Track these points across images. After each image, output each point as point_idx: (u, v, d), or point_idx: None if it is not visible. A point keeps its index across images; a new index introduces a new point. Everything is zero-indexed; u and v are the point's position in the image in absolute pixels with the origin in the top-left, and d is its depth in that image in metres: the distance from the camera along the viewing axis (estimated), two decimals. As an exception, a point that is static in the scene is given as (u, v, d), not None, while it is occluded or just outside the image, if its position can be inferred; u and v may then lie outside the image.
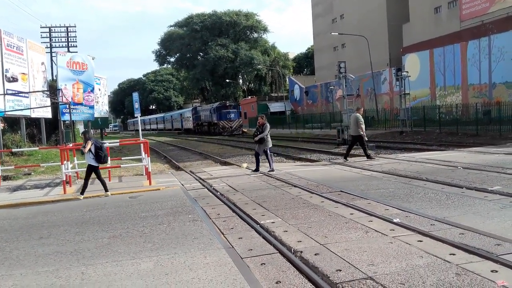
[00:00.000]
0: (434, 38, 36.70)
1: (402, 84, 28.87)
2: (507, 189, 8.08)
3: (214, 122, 53.08)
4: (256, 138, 13.30)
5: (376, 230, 5.89)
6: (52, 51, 46.14)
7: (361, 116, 15.13)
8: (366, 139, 15.57)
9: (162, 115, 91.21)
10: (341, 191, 9.01)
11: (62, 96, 22.12)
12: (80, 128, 39.00)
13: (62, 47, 48.59)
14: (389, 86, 43.12)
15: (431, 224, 6.00)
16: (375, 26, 49.33)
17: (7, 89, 18.87)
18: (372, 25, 49.65)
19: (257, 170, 13.15)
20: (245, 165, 15.83)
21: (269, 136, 13.35)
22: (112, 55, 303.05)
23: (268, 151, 13.30)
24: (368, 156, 14.87)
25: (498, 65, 30.02)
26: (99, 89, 30.82)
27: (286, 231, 6.16)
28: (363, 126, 15.01)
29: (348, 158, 15.14)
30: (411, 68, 36.84)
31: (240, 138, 41.97)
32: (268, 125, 13.41)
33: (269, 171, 12.84)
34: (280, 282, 4.38)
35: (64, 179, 11.52)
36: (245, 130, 53.39)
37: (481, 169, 10.87)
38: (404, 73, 29.22)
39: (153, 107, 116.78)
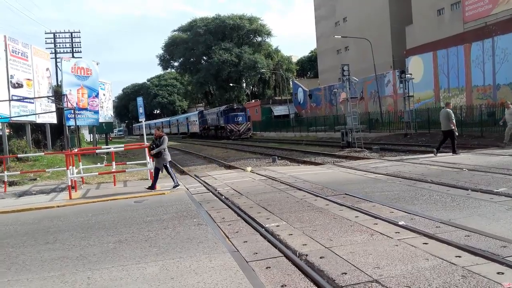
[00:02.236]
0: (437, 40, 36.64)
1: (406, 86, 28.80)
2: (513, 190, 8.05)
3: (221, 125, 51.77)
4: (153, 152, 11.74)
5: (381, 233, 5.88)
6: (57, 56, 46.39)
7: (452, 112, 15.58)
8: (457, 134, 16.11)
9: (167, 119, 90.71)
10: (345, 194, 9.00)
11: (67, 102, 22.22)
12: (85, 133, 39.07)
13: (67, 52, 48.83)
14: (393, 88, 43.06)
15: (436, 227, 5.99)
16: (378, 29, 49.30)
17: (12, 95, 18.97)
18: (375, 28, 49.62)
19: (152, 187, 11.71)
20: (249, 168, 15.84)
21: (167, 149, 11.95)
22: (115, 59, 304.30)
23: (168, 165, 11.97)
24: (455, 152, 15.32)
25: (502, 67, 29.94)
26: (104, 94, 30.91)
27: (291, 234, 6.16)
28: (454, 121, 15.49)
29: (438, 154, 15.47)
30: (414, 70, 36.77)
31: (245, 142, 41.92)
32: (166, 137, 12.03)
33: (174, 187, 11.67)
34: (286, 285, 4.38)
35: (70, 184, 11.56)
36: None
37: (486, 171, 10.84)
38: (408, 75, 29.15)
39: (157, 111, 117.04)
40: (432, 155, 15.49)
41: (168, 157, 11.96)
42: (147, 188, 11.68)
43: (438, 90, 36.44)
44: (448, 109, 15.50)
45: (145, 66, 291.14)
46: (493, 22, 31.59)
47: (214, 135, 55.15)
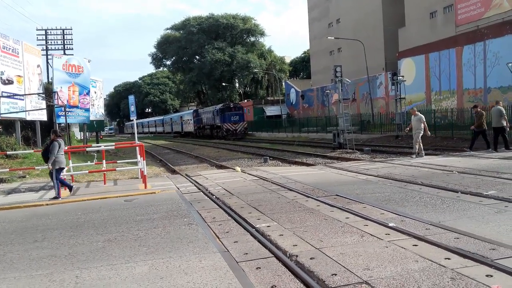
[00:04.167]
0: (429, 43, 36.85)
1: (398, 88, 28.97)
2: (502, 193, 8.12)
3: (217, 125, 50.48)
4: (49, 164, 10.68)
5: (371, 234, 5.89)
6: (48, 53, 46.09)
7: (503, 109, 16.45)
8: (508, 129, 16.76)
9: (161, 117, 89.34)
10: (336, 195, 9.01)
11: (57, 99, 22.04)
12: (76, 131, 38.79)
13: (58, 49, 48.60)
14: (385, 90, 43.23)
15: (426, 229, 6.02)
16: (371, 31, 49.48)
17: (2, 92, 18.78)
18: (368, 30, 49.79)
19: (70, 188, 11.17)
20: (238, 168, 15.83)
21: (58, 156, 10.65)
22: (108, 57, 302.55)
23: (54, 174, 10.65)
24: (507, 147, 16.19)
25: (493, 70, 30.16)
26: (95, 92, 30.72)
27: (282, 235, 6.15)
28: (507, 118, 16.35)
29: (498, 150, 16.17)
30: (406, 72, 36.96)
31: (237, 142, 41.86)
32: (56, 143, 10.67)
33: (52, 198, 10.56)
34: (276, 286, 4.37)
35: (59, 182, 11.44)
36: None
37: (476, 173, 10.92)
38: (400, 77, 29.32)
39: (149, 110, 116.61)
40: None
41: (59, 164, 10.73)
42: (52, 198, 10.57)
43: (430, 92, 36.64)
44: (500, 107, 16.28)
45: (138, 65, 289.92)
46: (485, 25, 31.83)
47: (209, 134, 54.04)
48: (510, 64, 24.69)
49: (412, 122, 16.46)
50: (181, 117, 71.20)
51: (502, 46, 29.13)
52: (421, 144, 16.42)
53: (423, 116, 16.46)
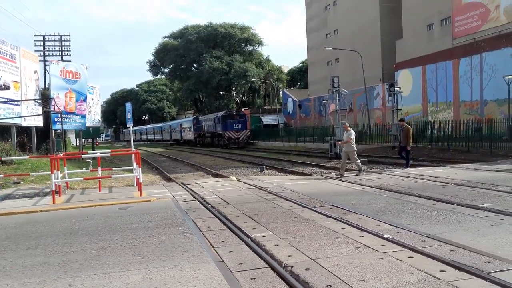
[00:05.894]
0: (426, 55, 37.10)
1: (395, 99, 29.09)
2: (498, 206, 8.12)
3: (218, 132, 48.84)
4: None
5: (367, 246, 5.87)
6: (46, 59, 46.06)
7: None
8: None
9: (159, 124, 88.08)
10: (332, 205, 8.99)
11: (54, 105, 21.98)
12: (72, 137, 38.62)
13: (56, 55, 48.58)
14: (382, 101, 43.41)
15: (422, 240, 6.00)
16: (368, 42, 49.80)
17: (-1, 97, 18.76)
18: (365, 41, 50.12)
19: None
20: (234, 177, 15.79)
21: None
22: (106, 63, 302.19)
23: None
24: None
25: (489, 83, 30.37)
26: (92, 99, 30.71)
27: (277, 245, 6.12)
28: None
29: None
30: (403, 83, 37.15)
31: (233, 150, 41.79)
32: None
33: None
34: (270, 297, 4.34)
35: (54, 188, 11.40)
36: None
37: (472, 185, 10.92)
38: (397, 88, 29.46)
39: (146, 117, 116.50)
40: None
41: None
42: None
43: (426, 104, 36.82)
44: None
45: (135, 72, 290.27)
46: (482, 38, 32.11)
47: (210, 142, 52.53)
48: (507, 77, 24.85)
49: (344, 138, 15.70)
50: (180, 124, 69.41)
51: (499, 59, 29.35)
52: (359, 161, 15.36)
53: (353, 133, 15.54)
